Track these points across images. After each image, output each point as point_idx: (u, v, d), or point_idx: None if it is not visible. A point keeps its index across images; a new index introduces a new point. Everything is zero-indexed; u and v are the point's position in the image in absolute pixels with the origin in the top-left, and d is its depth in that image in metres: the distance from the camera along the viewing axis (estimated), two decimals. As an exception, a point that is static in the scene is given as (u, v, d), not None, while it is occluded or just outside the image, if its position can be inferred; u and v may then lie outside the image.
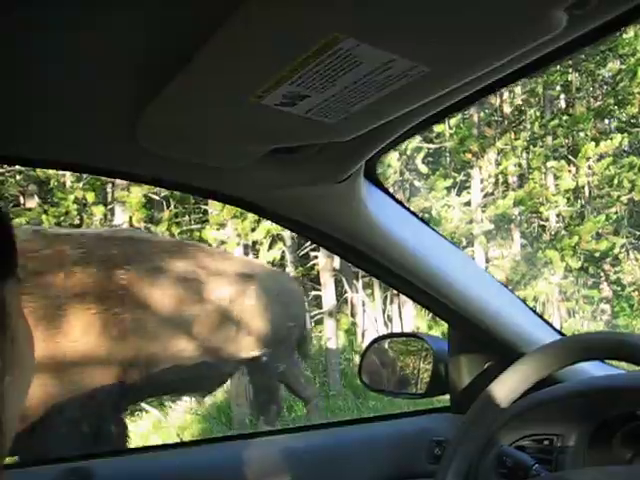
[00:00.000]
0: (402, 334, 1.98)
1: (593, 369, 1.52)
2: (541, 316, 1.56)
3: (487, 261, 11.15)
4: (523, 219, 11.08)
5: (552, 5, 0.62)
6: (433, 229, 1.41)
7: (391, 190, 10.06)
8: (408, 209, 1.35)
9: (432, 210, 10.09)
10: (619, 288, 13.02)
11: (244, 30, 0.67)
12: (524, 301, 1.58)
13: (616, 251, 11.87)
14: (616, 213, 11.84)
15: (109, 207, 9.14)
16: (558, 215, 11.04)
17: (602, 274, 12.53)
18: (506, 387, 1.16)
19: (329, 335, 9.64)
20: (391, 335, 1.99)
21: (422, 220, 1.38)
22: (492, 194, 10.77)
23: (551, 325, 1.56)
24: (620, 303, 13.42)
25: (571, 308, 12.30)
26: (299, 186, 1.15)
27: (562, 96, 12.37)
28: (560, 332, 1.55)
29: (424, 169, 9.96)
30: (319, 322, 11.02)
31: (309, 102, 0.79)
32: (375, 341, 1.84)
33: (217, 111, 0.84)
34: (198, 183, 1.20)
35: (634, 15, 0.71)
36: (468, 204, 10.38)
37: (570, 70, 11.24)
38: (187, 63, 0.73)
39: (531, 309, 1.55)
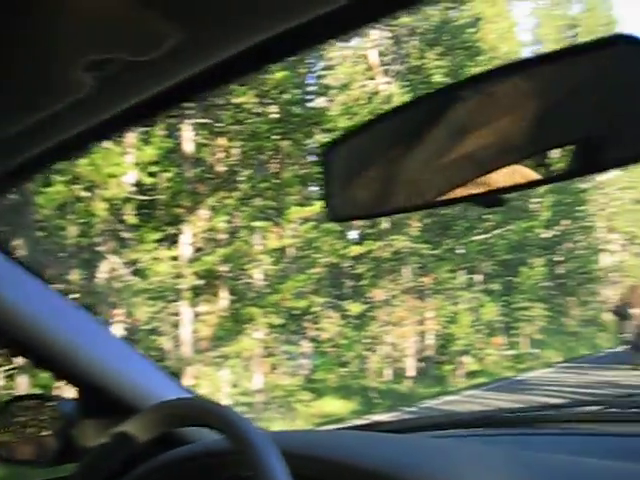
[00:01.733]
0: (35, 396, 1.85)
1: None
2: (168, 375, 1.56)
3: (195, 316, 11.19)
4: (231, 276, 11.34)
5: None
6: (43, 283, 1.35)
7: (98, 240, 9.73)
8: (21, 262, 1.27)
9: (140, 262, 9.93)
10: (317, 344, 13.85)
11: None
12: (154, 360, 1.57)
13: (315, 309, 12.67)
14: (317, 273, 12.66)
15: None
16: (263, 273, 11.51)
17: (302, 331, 13.24)
18: (103, 455, 1.12)
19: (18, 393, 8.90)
20: (26, 397, 1.84)
21: (35, 275, 1.31)
22: (202, 250, 10.91)
23: (181, 385, 1.57)
24: (319, 358, 14.28)
25: (273, 363, 12.80)
26: None
27: (273, 160, 13.05)
28: (188, 391, 1.56)
29: (134, 220, 9.80)
30: (11, 377, 10.18)
31: None
32: (8, 403, 1.70)
33: None
34: None
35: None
36: (177, 258, 10.39)
37: (280, 137, 11.92)
38: None
39: (157, 367, 1.55)
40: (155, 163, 10.04)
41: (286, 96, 11.35)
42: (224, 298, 11.13)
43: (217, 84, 0.74)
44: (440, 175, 0.84)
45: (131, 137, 9.37)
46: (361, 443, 1.16)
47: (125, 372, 1.44)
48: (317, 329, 13.51)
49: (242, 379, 12.18)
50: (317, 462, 1.05)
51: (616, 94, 0.74)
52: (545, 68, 0.79)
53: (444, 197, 0.85)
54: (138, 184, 10.16)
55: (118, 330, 9.31)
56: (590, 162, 0.76)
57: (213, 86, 0.74)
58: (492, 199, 0.82)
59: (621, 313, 14.19)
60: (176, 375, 10.14)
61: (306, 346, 13.59)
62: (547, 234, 24.71)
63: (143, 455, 1.23)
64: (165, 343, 10.80)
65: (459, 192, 0.83)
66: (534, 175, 0.78)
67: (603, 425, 1.75)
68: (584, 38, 33.88)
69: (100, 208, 9.16)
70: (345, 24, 0.67)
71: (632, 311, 13.74)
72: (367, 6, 0.64)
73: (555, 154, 0.78)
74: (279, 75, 10.81)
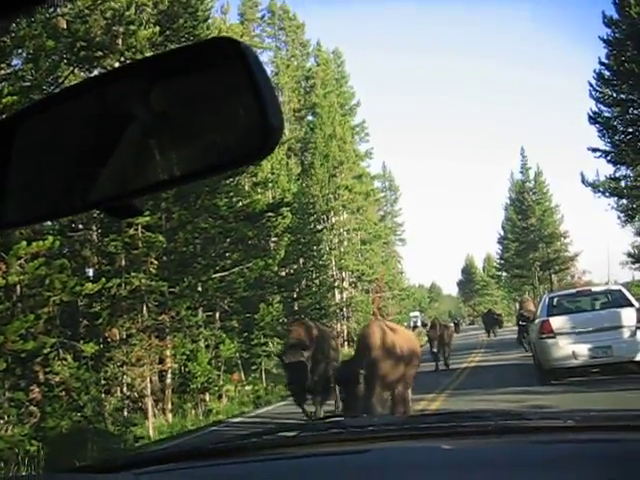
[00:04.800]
0: None
1: None
2: None
3: None
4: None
5: None
6: None
7: None
8: None
9: None
10: (48, 389, 12.99)
11: None
12: None
13: (46, 351, 11.88)
14: (49, 313, 11.93)
15: None
16: (-13, 314, 10.63)
17: (31, 375, 12.36)
18: None
19: None
20: None
21: None
22: None
23: None
24: (52, 404, 13.37)
25: (-3, 412, 11.78)
26: None
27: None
28: None
29: None
30: None
31: None
32: None
33: None
34: None
35: None
36: None
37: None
38: None
39: None
40: None
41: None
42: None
43: None
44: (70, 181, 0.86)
45: None
46: None
47: None
48: (48, 372, 12.70)
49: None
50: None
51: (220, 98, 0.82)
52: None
53: (81, 203, 0.88)
54: None
55: None
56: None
57: None
58: (130, 209, 0.87)
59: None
60: None
61: (35, 391, 12.68)
62: (284, 272, 25.80)
63: None
64: None
65: (93, 198, 0.86)
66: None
67: (298, 448, 1.92)
68: (320, 90, 36.38)
69: None
70: None
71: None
72: None
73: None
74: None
